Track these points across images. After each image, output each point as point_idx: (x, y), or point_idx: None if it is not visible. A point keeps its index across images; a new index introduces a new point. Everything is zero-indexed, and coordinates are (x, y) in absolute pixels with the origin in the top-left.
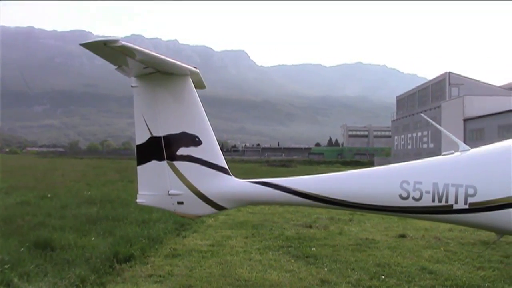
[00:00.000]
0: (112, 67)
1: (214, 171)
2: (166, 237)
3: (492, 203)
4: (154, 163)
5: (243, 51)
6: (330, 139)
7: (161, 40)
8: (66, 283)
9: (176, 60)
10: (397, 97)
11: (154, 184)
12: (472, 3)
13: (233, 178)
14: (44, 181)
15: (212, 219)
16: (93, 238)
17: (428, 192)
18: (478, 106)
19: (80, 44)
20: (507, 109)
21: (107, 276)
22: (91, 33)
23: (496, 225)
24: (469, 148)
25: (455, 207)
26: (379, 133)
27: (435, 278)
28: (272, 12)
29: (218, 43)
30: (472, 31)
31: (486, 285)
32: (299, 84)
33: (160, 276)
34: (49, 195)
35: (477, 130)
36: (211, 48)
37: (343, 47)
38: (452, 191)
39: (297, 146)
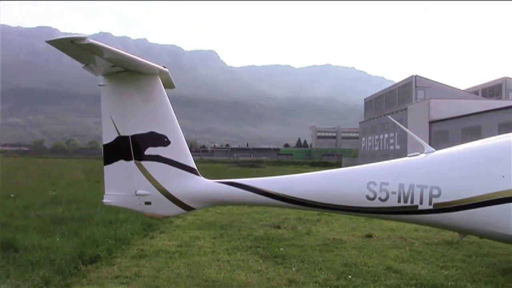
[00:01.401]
0: (79, 65)
1: (182, 171)
2: (133, 237)
3: (456, 204)
4: (121, 163)
5: (213, 51)
6: (299, 140)
7: (130, 38)
8: (30, 285)
9: (145, 59)
10: (365, 99)
11: (121, 184)
12: (438, 6)
13: (202, 178)
14: (7, 181)
15: (180, 219)
16: (58, 239)
17: (394, 193)
18: (443, 109)
19: (46, 41)
20: (471, 112)
21: (72, 277)
22: (57, 30)
23: (459, 225)
24: (434, 150)
25: (420, 207)
26: (347, 135)
27: (400, 277)
28: (243, 12)
29: (188, 43)
30: (438, 35)
31: (449, 284)
32: (269, 85)
33: (127, 277)
34: (12, 195)
35: (442, 132)
36: (180, 48)
37: (313, 48)
38: (417, 191)
39: (266, 146)
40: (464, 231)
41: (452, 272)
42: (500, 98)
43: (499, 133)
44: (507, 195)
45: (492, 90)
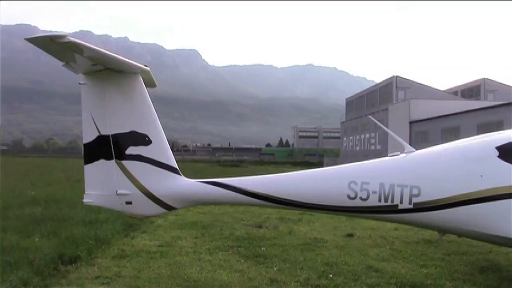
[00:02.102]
0: (59, 63)
1: (164, 170)
2: (114, 237)
3: (435, 203)
4: (102, 162)
5: (195, 50)
6: (281, 139)
7: (111, 37)
8: (8, 286)
9: (126, 58)
10: (346, 99)
11: (102, 183)
12: (420, 8)
13: (183, 178)
14: None
15: (162, 219)
16: (37, 240)
17: (375, 192)
18: (423, 109)
19: (26, 39)
20: (450, 112)
21: (52, 278)
22: (37, 27)
23: (439, 224)
24: (414, 150)
25: (400, 206)
26: (328, 134)
27: (381, 276)
28: (225, 11)
29: (170, 42)
30: (418, 35)
31: (429, 282)
32: (251, 85)
33: (107, 277)
34: None
35: (422, 133)
36: (162, 47)
37: (295, 48)
38: (397, 191)
39: (248, 146)
40: (443, 230)
41: (431, 270)
42: (479, 99)
43: (478, 133)
44: (485, 195)
45: (471, 91)
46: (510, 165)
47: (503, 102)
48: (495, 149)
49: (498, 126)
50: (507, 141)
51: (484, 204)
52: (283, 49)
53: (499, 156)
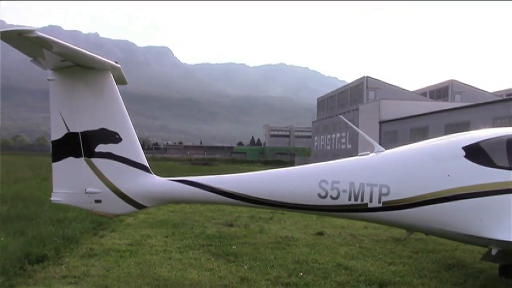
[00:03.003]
0: (27, 58)
1: (134, 168)
2: (83, 236)
3: (404, 202)
4: (70, 160)
5: (167, 47)
6: (253, 138)
7: (81, 32)
8: None
9: (97, 54)
10: (318, 99)
11: (70, 181)
12: (392, 9)
13: (154, 176)
14: None
15: (132, 217)
16: (2, 239)
17: (345, 191)
18: (393, 109)
19: None
20: (419, 113)
21: (18, 278)
22: (4, 21)
23: (407, 223)
24: (384, 149)
25: (370, 205)
26: (300, 134)
27: (350, 274)
28: (197, 9)
29: (141, 39)
30: (389, 38)
31: (397, 279)
32: (223, 83)
33: (75, 277)
34: None
35: (391, 133)
36: (133, 43)
37: (267, 48)
38: (367, 190)
39: (220, 145)
40: (411, 229)
41: (399, 268)
42: (446, 100)
43: (446, 133)
44: (452, 194)
45: (439, 92)
46: (476, 164)
47: (470, 103)
48: (462, 149)
49: (465, 126)
50: (473, 142)
51: (451, 203)
52: (255, 48)
53: (466, 156)
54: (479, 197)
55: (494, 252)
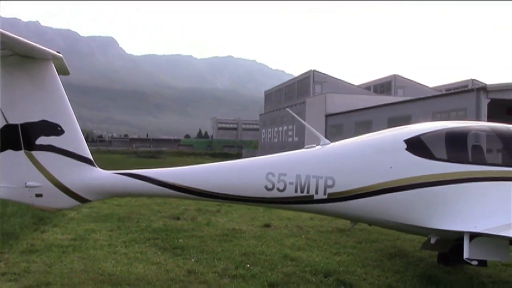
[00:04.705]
0: None
1: (77, 161)
2: (23, 232)
3: (348, 193)
4: (9, 152)
5: (112, 37)
6: (200, 131)
7: (20, 20)
8: None
9: (37, 43)
10: (265, 91)
11: (9, 175)
12: (338, 5)
13: (98, 169)
14: None
15: (75, 212)
16: None
17: (291, 183)
18: (338, 103)
19: None
20: (363, 107)
21: None
22: None
23: (351, 214)
24: (329, 142)
25: (316, 197)
26: (247, 126)
27: (296, 264)
28: None
29: (85, 28)
30: (334, 32)
31: (341, 269)
32: (170, 75)
33: (15, 273)
34: None
35: (337, 126)
36: (76, 33)
37: (215, 40)
38: (313, 182)
39: (167, 137)
40: (355, 219)
41: (344, 258)
42: (389, 94)
43: (388, 126)
44: (394, 185)
45: (382, 87)
46: (417, 157)
47: (412, 98)
48: (403, 142)
49: (406, 120)
50: (414, 135)
51: (393, 194)
52: (202, 39)
53: (407, 149)
54: (419, 188)
55: (433, 240)
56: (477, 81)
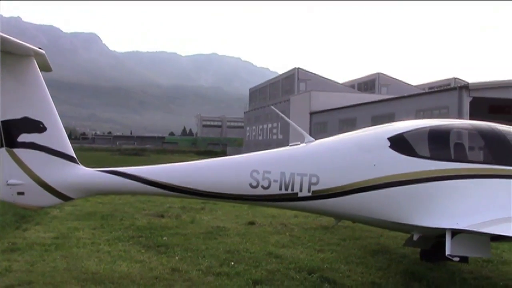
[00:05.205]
0: None
1: (59, 159)
2: (4, 230)
3: (332, 191)
4: None
5: (95, 34)
6: (184, 128)
7: (1, 16)
8: None
9: (19, 39)
10: (250, 89)
11: None
12: (322, 4)
13: (81, 167)
14: None
15: (57, 210)
16: None
17: (276, 181)
18: (323, 101)
19: None
20: (347, 104)
21: None
22: None
23: (335, 211)
24: (314, 139)
25: (300, 194)
26: (232, 124)
27: (281, 262)
28: None
29: (68, 24)
30: (319, 30)
31: (325, 266)
32: (154, 72)
33: None
34: None
35: (321, 123)
36: (59, 29)
37: (199, 37)
38: (297, 179)
39: (151, 135)
40: (339, 217)
41: (328, 255)
42: (373, 92)
43: (372, 124)
44: (377, 182)
45: (366, 84)
46: (400, 154)
47: (395, 96)
48: (387, 140)
49: (390, 118)
50: (398, 132)
51: (377, 192)
52: (187, 37)
53: (390, 146)
54: (402, 186)
55: (415, 237)
56: (459, 79)
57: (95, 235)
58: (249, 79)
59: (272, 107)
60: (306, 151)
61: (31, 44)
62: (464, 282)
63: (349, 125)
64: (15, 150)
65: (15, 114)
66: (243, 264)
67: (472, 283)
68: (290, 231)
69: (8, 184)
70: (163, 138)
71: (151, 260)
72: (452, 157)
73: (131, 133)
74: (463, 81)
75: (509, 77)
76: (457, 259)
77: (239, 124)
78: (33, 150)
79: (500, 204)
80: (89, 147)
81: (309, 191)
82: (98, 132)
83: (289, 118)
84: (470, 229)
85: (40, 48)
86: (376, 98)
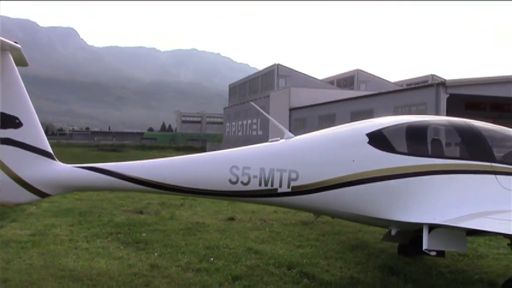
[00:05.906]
0: None
1: (36, 155)
2: None
3: (312, 187)
4: None
5: (73, 28)
6: (164, 124)
7: None
8: None
9: None
10: (229, 85)
11: None
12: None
13: (58, 163)
14: None
15: (34, 206)
16: None
17: (255, 177)
18: (302, 97)
19: None
20: (327, 101)
21: None
22: None
23: (315, 207)
24: (293, 135)
25: (280, 190)
26: (211, 120)
27: (260, 257)
28: None
29: (44, 18)
30: (299, 27)
31: (305, 261)
32: (132, 67)
33: None
34: None
35: (301, 119)
36: (35, 23)
37: (178, 32)
38: (277, 175)
39: (129, 130)
40: (318, 212)
41: (307, 250)
42: (352, 89)
43: (351, 120)
44: (357, 178)
45: (346, 81)
46: (378, 150)
47: (374, 92)
48: (366, 136)
49: (368, 114)
50: (376, 129)
51: (355, 187)
52: (166, 32)
53: (369, 142)
54: (380, 181)
55: (393, 232)
56: (437, 76)
57: (72, 232)
58: (229, 74)
59: (252, 103)
60: (285, 147)
61: (6, 38)
62: (440, 276)
63: (329, 121)
64: None
65: None
66: (222, 260)
67: (449, 277)
68: (269, 226)
69: None
70: (142, 134)
71: (130, 256)
72: (430, 153)
73: (109, 128)
74: (441, 78)
75: (485, 74)
76: (434, 253)
77: (219, 120)
78: (8, 146)
79: (476, 199)
80: (67, 143)
81: (288, 186)
82: (75, 128)
83: (268, 114)
84: (447, 223)
85: (16, 43)
86: (355, 95)
